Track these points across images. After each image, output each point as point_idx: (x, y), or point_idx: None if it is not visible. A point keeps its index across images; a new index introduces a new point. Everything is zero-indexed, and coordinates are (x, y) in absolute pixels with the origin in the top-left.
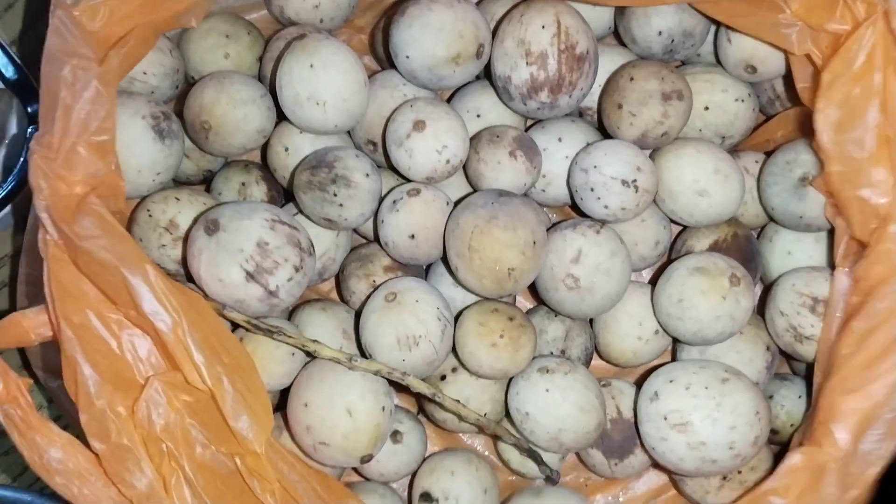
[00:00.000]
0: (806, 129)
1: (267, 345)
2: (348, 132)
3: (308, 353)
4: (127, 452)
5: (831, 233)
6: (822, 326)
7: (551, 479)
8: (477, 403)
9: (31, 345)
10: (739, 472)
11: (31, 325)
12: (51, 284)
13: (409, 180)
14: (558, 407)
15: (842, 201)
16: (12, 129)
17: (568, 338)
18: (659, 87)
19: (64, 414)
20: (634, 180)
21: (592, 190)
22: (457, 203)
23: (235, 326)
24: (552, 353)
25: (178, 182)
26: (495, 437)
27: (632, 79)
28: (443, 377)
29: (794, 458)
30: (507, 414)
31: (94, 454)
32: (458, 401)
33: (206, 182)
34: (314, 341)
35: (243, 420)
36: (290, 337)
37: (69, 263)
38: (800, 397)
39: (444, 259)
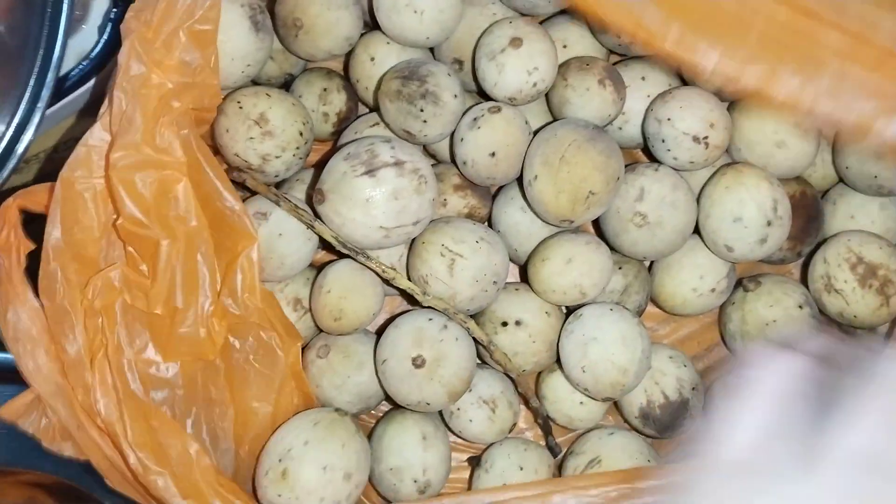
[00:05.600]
0: None
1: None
2: (431, 49)
3: (386, 281)
4: (65, 315)
5: None
6: None
7: (554, 451)
8: (522, 358)
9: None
10: None
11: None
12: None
13: (489, 101)
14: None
15: None
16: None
17: (625, 292)
18: None
19: None
20: (706, 137)
21: (664, 141)
22: (536, 131)
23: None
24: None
25: (258, 83)
26: (524, 399)
27: None
28: (504, 324)
29: None
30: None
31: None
32: (505, 353)
33: (286, 85)
34: (391, 268)
35: None
36: (370, 260)
37: None
38: None
39: (518, 180)
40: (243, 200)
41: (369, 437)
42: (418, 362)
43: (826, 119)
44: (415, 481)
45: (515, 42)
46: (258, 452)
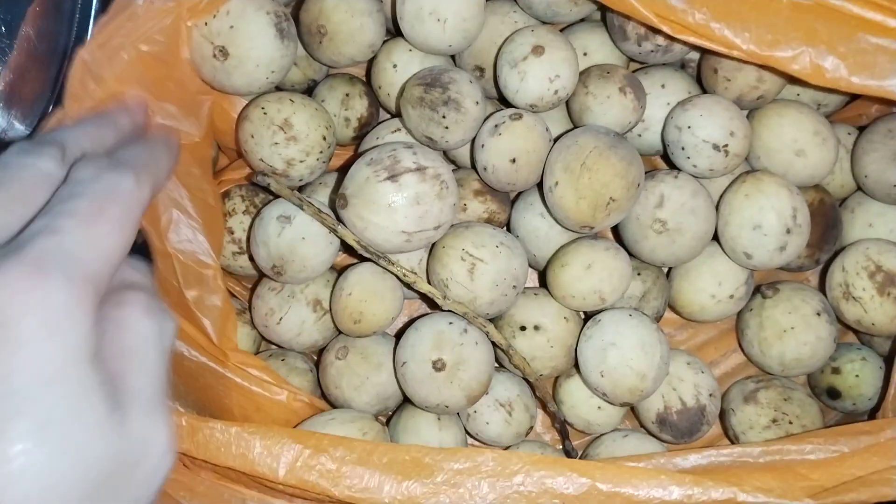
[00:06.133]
0: None
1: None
2: (452, 57)
3: (407, 285)
4: None
5: None
6: None
7: (570, 454)
8: (540, 363)
9: None
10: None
11: None
12: None
13: (510, 107)
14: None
15: None
16: None
17: (644, 298)
18: None
19: None
20: (726, 145)
21: (683, 149)
22: (556, 139)
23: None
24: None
25: (282, 89)
26: (542, 404)
27: None
28: (522, 328)
29: None
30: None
31: None
32: (524, 357)
33: (309, 91)
34: (412, 272)
35: None
36: (391, 264)
37: None
38: (880, 368)
39: (538, 186)
40: (265, 204)
41: (387, 425)
42: (438, 365)
43: (863, 92)
44: None
45: (537, 50)
46: None
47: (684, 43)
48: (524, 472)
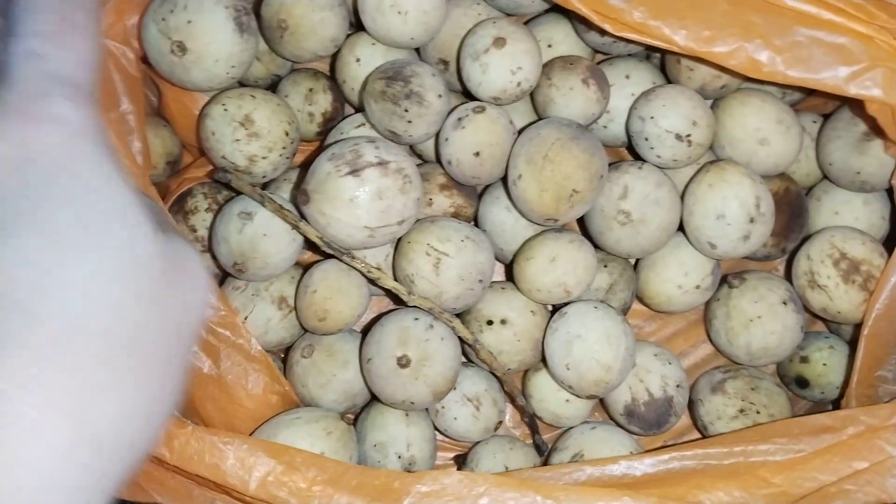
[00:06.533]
0: None
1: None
2: (417, 49)
3: (371, 281)
4: None
5: (888, 193)
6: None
7: (540, 448)
8: (507, 357)
9: None
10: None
11: None
12: None
13: (474, 100)
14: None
15: None
16: None
17: (611, 290)
18: None
19: None
20: (689, 135)
21: (647, 140)
22: (520, 130)
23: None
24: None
25: (245, 85)
26: (510, 398)
27: None
28: (489, 322)
29: None
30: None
31: None
32: (491, 352)
33: (272, 87)
34: (377, 268)
35: None
36: (355, 260)
37: None
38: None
39: (502, 179)
40: (227, 201)
41: (354, 423)
42: (403, 362)
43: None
44: (399, 456)
45: (499, 42)
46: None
47: (626, 40)
48: (489, 495)
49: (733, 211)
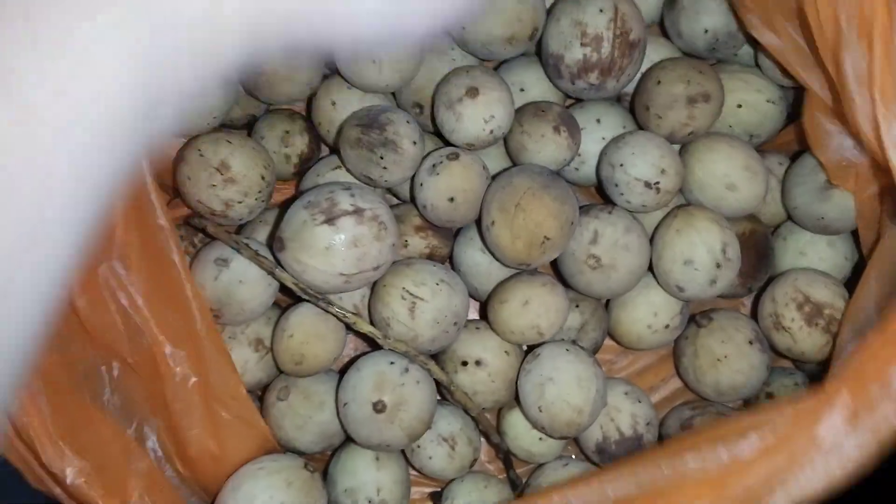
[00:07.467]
0: None
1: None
2: (393, 93)
3: (347, 326)
4: None
5: (853, 235)
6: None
7: (515, 484)
8: (482, 397)
9: None
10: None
11: None
12: None
13: (449, 144)
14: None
15: None
16: None
17: (583, 330)
18: (684, 91)
19: None
20: (657, 182)
21: (616, 186)
22: (494, 176)
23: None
24: (563, 341)
25: (222, 125)
26: (485, 436)
27: (658, 82)
28: (464, 363)
29: None
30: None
31: None
32: (465, 393)
33: (249, 126)
34: (354, 313)
35: None
36: (331, 305)
37: None
38: (796, 385)
39: (476, 223)
40: (204, 245)
41: (327, 465)
42: (379, 407)
43: None
44: (369, 501)
45: (472, 92)
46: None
47: None
48: None
49: (701, 256)
